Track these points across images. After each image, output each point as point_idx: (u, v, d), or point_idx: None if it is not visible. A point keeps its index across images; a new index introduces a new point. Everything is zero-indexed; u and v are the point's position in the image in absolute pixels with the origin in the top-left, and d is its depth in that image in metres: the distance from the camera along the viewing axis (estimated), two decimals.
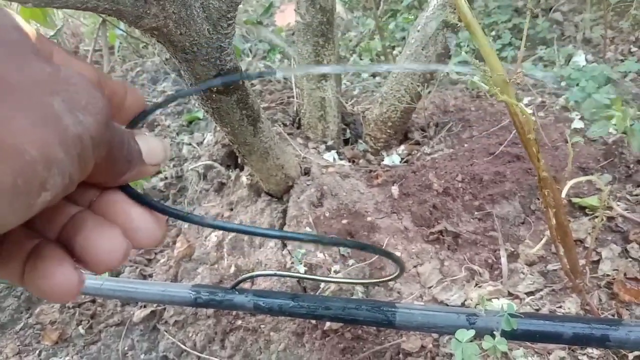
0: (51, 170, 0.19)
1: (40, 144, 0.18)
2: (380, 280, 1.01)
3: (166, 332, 1.15)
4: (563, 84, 1.74)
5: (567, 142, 1.38)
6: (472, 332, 0.78)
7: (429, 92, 1.47)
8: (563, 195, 0.96)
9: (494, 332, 0.77)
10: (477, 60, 0.72)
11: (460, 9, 0.75)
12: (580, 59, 1.90)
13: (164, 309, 1.19)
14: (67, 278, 0.25)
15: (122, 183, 0.28)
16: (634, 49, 1.89)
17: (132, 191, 0.29)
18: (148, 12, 0.64)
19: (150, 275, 1.30)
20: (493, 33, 2.18)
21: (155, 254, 1.35)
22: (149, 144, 0.29)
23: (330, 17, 1.21)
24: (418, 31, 1.25)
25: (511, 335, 0.77)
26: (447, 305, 1.01)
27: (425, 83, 1.26)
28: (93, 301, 1.27)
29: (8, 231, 0.23)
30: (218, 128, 1.20)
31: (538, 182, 0.82)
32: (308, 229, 1.12)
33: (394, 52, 2.13)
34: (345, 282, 1.06)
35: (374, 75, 2.12)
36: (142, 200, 0.29)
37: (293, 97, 1.56)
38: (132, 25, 0.64)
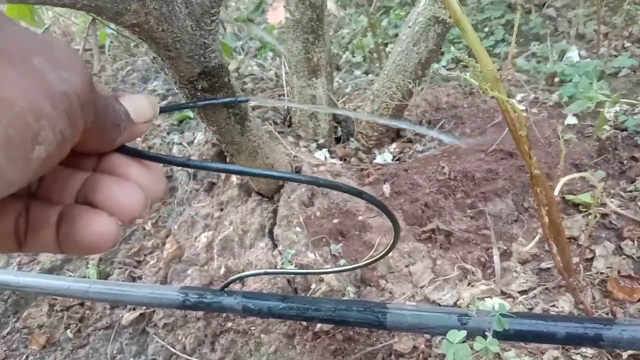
0: (40, 122, 0.20)
1: (27, 96, 0.19)
2: (373, 260, 0.99)
3: (155, 335, 1.14)
4: (557, 79, 1.73)
5: (560, 138, 1.37)
6: (463, 333, 0.77)
7: (422, 89, 1.46)
8: (556, 192, 0.95)
9: (486, 333, 0.75)
10: (468, 57, 0.71)
11: (450, 5, 0.73)
12: (573, 54, 1.90)
13: (153, 311, 1.17)
14: (108, 225, 0.27)
15: (116, 146, 0.29)
16: (627, 44, 1.88)
17: (129, 149, 0.30)
18: (128, 8, 0.62)
19: (140, 277, 1.28)
20: (486, 29, 2.17)
21: (145, 255, 1.33)
22: (135, 103, 0.30)
23: (320, 14, 1.20)
24: (409, 27, 1.23)
25: (503, 336, 0.76)
26: (440, 305, 0.99)
27: (417, 80, 1.24)
28: (81, 304, 1.25)
29: (32, 203, 0.27)
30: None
31: (530, 180, 0.81)
32: (298, 229, 1.10)
33: (387, 49, 2.11)
34: (337, 271, 1.04)
35: (366, 73, 2.11)
36: (142, 155, 0.30)
37: (284, 95, 1.54)
38: (112, 21, 0.62)
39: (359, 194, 0.40)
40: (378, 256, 0.64)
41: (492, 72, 0.74)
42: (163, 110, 0.38)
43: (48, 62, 0.21)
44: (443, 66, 2.06)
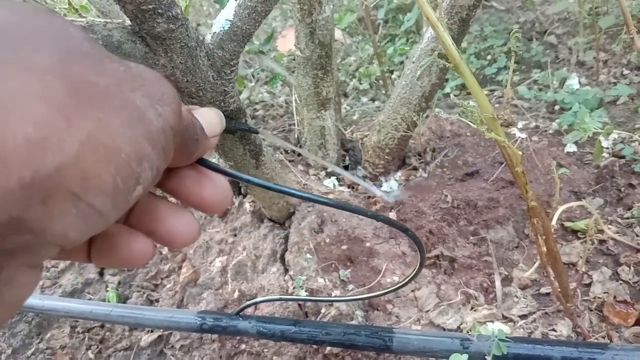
0: (142, 165, 0.20)
1: (131, 141, 0.20)
2: (391, 289, 1.02)
3: (172, 356, 1.19)
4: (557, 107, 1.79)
5: (559, 166, 1.43)
6: (465, 357, 0.82)
7: (427, 117, 1.52)
8: (553, 222, 1.00)
9: (486, 357, 0.80)
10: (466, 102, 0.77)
11: (448, 51, 0.79)
12: (574, 81, 1.96)
13: (171, 333, 1.23)
14: (146, 246, 0.29)
15: (192, 161, 0.30)
16: (626, 72, 1.94)
17: (207, 163, 0.31)
18: (157, 62, 0.69)
19: (157, 300, 1.34)
20: (489, 57, 2.24)
21: (162, 279, 1.39)
22: (207, 117, 0.31)
23: (328, 51, 1.27)
24: (413, 62, 1.30)
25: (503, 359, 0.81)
26: (444, 329, 1.04)
27: (421, 112, 1.30)
28: (102, 326, 1.31)
29: None
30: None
31: (527, 211, 0.87)
32: (309, 255, 1.16)
33: (393, 76, 2.19)
34: (350, 300, 1.09)
35: (373, 100, 2.18)
36: (217, 168, 0.32)
37: (294, 124, 1.61)
38: None
39: (405, 230, 0.44)
40: (401, 284, 0.68)
41: (490, 113, 0.80)
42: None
43: (146, 99, 0.21)
44: (447, 93, 2.13)
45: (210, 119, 0.31)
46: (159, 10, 0.63)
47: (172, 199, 0.33)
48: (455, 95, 2.09)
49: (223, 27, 0.72)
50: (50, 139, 0.17)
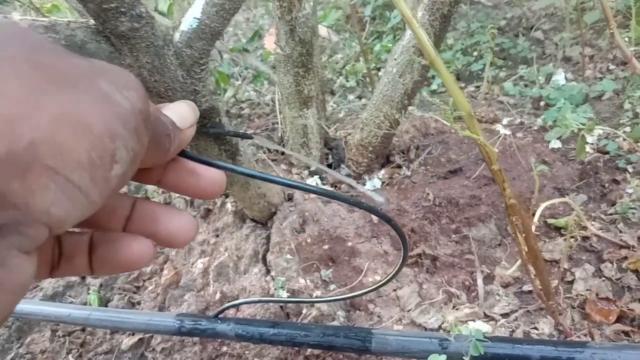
0: (116, 143, 0.21)
1: (102, 119, 0.21)
2: (371, 288, 1.01)
3: (153, 359, 1.17)
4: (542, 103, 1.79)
5: (544, 162, 1.42)
6: (444, 357, 0.81)
7: (407, 114, 1.51)
8: (535, 220, 0.99)
9: (464, 358, 0.79)
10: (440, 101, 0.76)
11: (423, 47, 0.78)
12: (560, 77, 1.95)
13: (152, 336, 1.21)
14: (146, 248, 0.30)
15: (170, 158, 0.31)
16: (612, 67, 1.93)
17: (190, 154, 0.32)
18: (123, 62, 0.68)
19: (139, 303, 1.33)
20: (475, 53, 2.23)
21: (144, 281, 1.38)
22: (177, 111, 0.31)
23: (309, 49, 1.25)
24: (395, 59, 1.29)
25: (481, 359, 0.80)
26: (425, 329, 1.03)
27: (403, 109, 1.29)
28: (83, 330, 1.29)
29: (67, 232, 0.28)
30: None
31: (506, 209, 0.86)
32: (289, 256, 1.14)
33: (380, 74, 2.18)
34: (329, 300, 1.08)
35: (359, 97, 2.17)
36: (201, 160, 0.32)
37: (278, 123, 1.60)
38: None
39: (387, 219, 0.43)
40: (384, 280, 0.67)
41: (467, 110, 0.79)
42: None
43: (112, 84, 0.22)
44: (434, 90, 2.12)
45: (180, 111, 0.32)
46: (122, 9, 0.62)
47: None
48: (441, 93, 2.08)
49: (191, 25, 0.70)
50: (23, 115, 0.18)
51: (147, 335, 1.22)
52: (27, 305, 1.15)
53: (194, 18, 0.70)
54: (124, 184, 0.24)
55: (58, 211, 0.20)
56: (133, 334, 1.24)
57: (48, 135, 0.19)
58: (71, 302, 1.38)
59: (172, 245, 0.32)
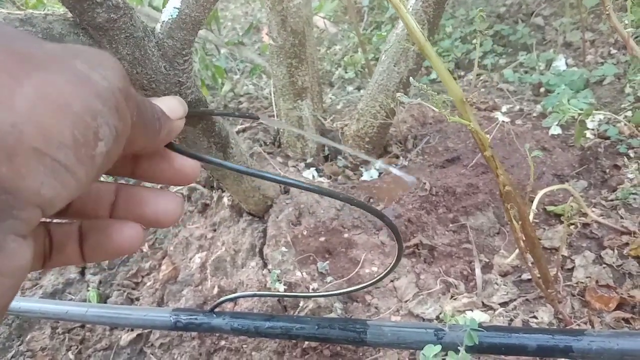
0: (97, 120, 0.21)
1: (80, 97, 0.21)
2: (367, 284, 1.00)
3: (152, 354, 1.17)
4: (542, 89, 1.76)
5: (543, 149, 1.40)
6: (438, 348, 0.80)
7: (398, 99, 1.49)
8: (533, 207, 0.98)
9: (459, 348, 0.78)
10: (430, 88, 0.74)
11: (412, 34, 0.76)
12: (560, 63, 1.92)
13: (150, 332, 1.21)
14: (137, 232, 0.30)
15: (162, 144, 0.31)
16: (613, 51, 1.90)
17: (176, 146, 0.32)
18: None
19: (138, 299, 1.32)
20: (475, 41, 2.20)
21: (142, 277, 1.37)
22: (165, 102, 0.32)
23: (302, 39, 1.24)
24: (388, 48, 1.27)
25: (477, 349, 0.79)
26: (423, 320, 1.02)
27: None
28: (82, 326, 1.29)
29: (51, 223, 0.30)
30: None
31: (501, 197, 0.84)
32: (285, 249, 1.14)
33: None
34: (327, 295, 1.07)
35: (358, 88, 2.15)
36: (188, 152, 0.32)
37: (274, 116, 1.59)
38: None
39: (380, 216, 0.42)
40: (378, 278, 0.66)
41: (459, 96, 0.78)
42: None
43: (88, 64, 0.22)
44: (434, 79, 2.09)
45: (168, 103, 0.32)
46: (98, 0, 0.60)
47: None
48: (440, 82, 2.05)
49: (171, 16, 0.69)
50: (1, 100, 0.18)
51: (146, 331, 1.22)
52: (27, 303, 1.15)
53: (174, 8, 0.69)
54: (110, 163, 0.24)
55: (48, 192, 0.20)
56: (132, 330, 1.23)
57: (29, 118, 0.19)
58: (71, 299, 1.38)
59: (160, 225, 0.33)
